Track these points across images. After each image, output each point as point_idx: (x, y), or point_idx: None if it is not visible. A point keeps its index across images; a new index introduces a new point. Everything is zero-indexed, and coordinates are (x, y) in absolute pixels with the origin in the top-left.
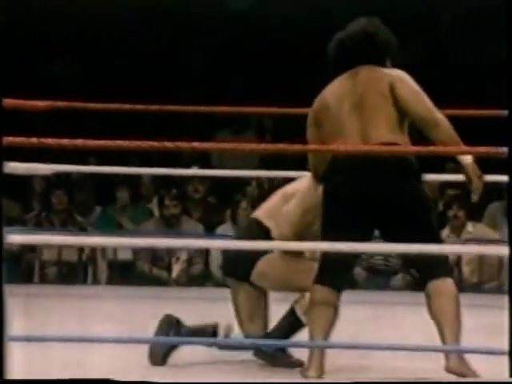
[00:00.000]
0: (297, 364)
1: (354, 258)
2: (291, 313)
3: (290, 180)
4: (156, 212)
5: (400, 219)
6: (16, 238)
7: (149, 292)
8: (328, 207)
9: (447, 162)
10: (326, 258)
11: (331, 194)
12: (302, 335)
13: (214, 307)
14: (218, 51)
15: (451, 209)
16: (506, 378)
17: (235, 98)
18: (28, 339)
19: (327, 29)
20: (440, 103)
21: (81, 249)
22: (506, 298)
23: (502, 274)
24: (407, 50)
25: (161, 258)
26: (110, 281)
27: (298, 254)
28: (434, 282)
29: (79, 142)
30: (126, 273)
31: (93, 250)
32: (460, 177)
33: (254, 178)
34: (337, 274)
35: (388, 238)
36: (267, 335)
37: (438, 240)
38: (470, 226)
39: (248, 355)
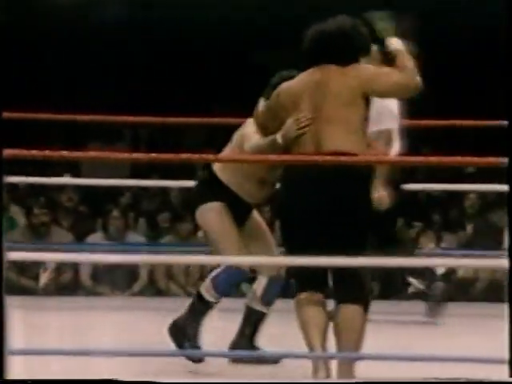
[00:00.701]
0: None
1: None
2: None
3: (163, 189)
4: (22, 221)
5: (344, 230)
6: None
7: (15, 301)
8: (283, 219)
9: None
10: (298, 270)
11: (284, 205)
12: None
13: (84, 316)
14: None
15: None
16: (506, 378)
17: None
18: None
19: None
20: None
21: None
22: None
23: None
24: None
25: (29, 267)
26: None
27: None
28: (345, 306)
29: None
30: None
31: None
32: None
33: (126, 187)
34: (313, 278)
35: (329, 248)
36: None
37: (365, 252)
38: None
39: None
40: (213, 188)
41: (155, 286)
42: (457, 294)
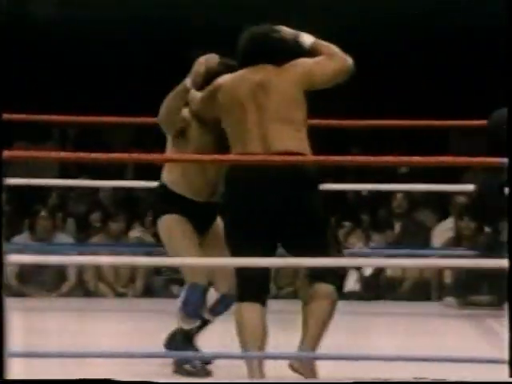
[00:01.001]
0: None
1: (268, 269)
2: None
3: (93, 189)
4: None
5: (295, 230)
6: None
7: None
8: (228, 220)
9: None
10: (243, 275)
11: (229, 206)
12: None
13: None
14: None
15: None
16: (505, 378)
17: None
18: None
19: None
20: None
21: None
22: None
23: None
24: None
25: None
26: None
27: None
28: (318, 285)
29: None
30: None
31: None
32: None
33: (55, 187)
34: (257, 288)
35: (287, 249)
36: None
37: (331, 249)
38: None
39: None
40: (168, 200)
41: (84, 286)
42: (385, 293)
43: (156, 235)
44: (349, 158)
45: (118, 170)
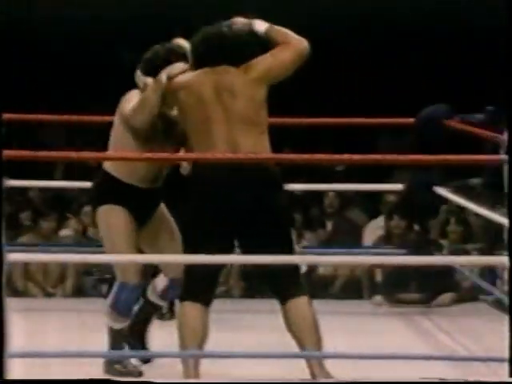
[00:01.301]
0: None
1: (218, 270)
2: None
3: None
4: None
5: (258, 230)
6: (17, 256)
7: None
8: (188, 218)
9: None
10: (191, 274)
11: (191, 204)
12: None
13: None
14: None
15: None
16: (505, 378)
17: None
18: None
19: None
20: None
21: None
22: None
23: None
24: None
25: None
26: None
27: None
28: (291, 301)
29: None
30: None
31: None
32: None
33: None
34: (203, 289)
35: (245, 249)
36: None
37: (293, 252)
38: None
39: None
40: (110, 188)
41: (12, 286)
42: (316, 292)
43: (85, 234)
44: (317, 156)
45: (48, 169)
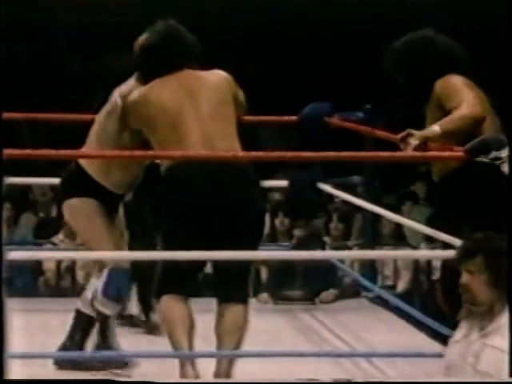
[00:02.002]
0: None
1: (198, 266)
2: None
3: None
4: None
5: (231, 229)
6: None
7: None
8: (166, 216)
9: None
10: (169, 269)
11: (169, 203)
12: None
13: None
14: None
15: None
16: (506, 377)
17: None
18: None
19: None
20: None
21: None
22: None
23: None
24: None
25: None
26: None
27: None
28: (230, 306)
29: None
30: None
31: None
32: None
33: None
34: (182, 281)
35: (218, 247)
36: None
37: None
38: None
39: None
40: (80, 182)
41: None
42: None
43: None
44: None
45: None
